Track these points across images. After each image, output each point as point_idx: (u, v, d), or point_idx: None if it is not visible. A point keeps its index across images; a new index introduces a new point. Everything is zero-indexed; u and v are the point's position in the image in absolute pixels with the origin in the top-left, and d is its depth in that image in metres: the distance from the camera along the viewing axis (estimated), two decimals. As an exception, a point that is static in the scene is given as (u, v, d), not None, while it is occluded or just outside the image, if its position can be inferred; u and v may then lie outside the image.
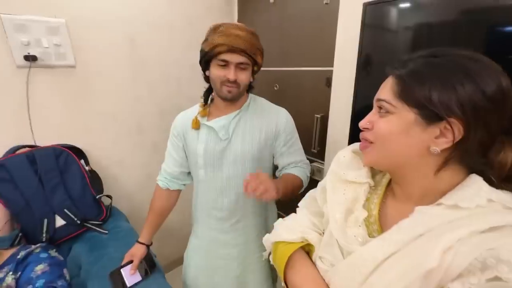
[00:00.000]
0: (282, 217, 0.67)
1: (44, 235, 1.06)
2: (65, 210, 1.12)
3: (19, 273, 0.83)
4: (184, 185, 1.06)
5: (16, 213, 1.05)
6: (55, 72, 1.19)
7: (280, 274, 0.56)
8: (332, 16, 1.12)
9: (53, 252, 0.95)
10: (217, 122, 0.90)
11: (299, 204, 0.66)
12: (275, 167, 1.02)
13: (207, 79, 0.91)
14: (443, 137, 0.40)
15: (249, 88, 0.95)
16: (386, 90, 0.45)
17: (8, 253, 0.90)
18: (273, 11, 1.45)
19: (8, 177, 1.04)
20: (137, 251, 0.99)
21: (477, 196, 0.39)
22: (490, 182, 0.40)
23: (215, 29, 0.82)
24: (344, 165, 0.56)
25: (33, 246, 0.93)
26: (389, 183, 0.54)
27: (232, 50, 0.79)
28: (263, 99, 1.00)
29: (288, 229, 0.60)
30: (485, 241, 0.35)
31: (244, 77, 0.84)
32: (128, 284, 0.91)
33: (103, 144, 1.39)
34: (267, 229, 1.07)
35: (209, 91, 0.95)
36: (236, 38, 0.78)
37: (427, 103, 0.40)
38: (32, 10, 1.09)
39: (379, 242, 0.43)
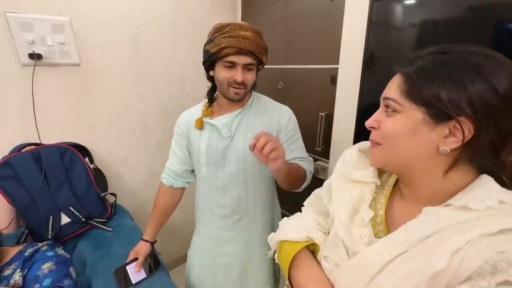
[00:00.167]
0: (287, 216, 0.67)
1: (49, 232, 1.07)
2: (70, 207, 1.12)
3: (26, 270, 0.84)
4: (188, 183, 1.06)
5: (22, 210, 1.06)
6: (60, 70, 1.19)
7: (285, 273, 0.56)
8: (338, 13, 1.10)
9: (59, 250, 0.95)
10: (220, 120, 0.90)
11: (304, 203, 0.66)
12: None
13: (210, 78, 0.90)
14: (452, 136, 0.39)
15: (252, 86, 0.95)
16: (393, 89, 0.44)
17: (15, 250, 0.91)
18: (277, 8, 1.43)
19: (14, 175, 1.05)
20: (141, 249, 1.00)
21: (487, 197, 0.38)
22: (502, 183, 0.39)
23: (220, 30, 0.81)
24: (350, 164, 0.55)
25: (39, 244, 0.94)
26: (396, 182, 0.53)
27: (239, 52, 0.78)
28: (266, 97, 1.00)
29: (293, 228, 0.59)
30: (496, 244, 0.34)
31: (250, 77, 0.84)
32: (133, 281, 0.92)
33: (107, 142, 1.40)
34: (271, 227, 1.07)
35: (212, 91, 0.94)
36: (243, 40, 0.78)
37: (435, 101, 0.39)
38: (37, 9, 1.09)
39: (386, 242, 0.42)
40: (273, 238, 0.63)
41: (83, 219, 1.14)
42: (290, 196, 1.10)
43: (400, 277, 0.38)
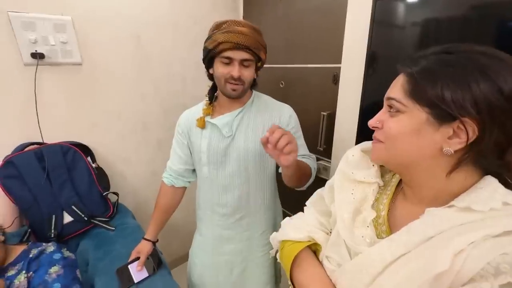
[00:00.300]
0: (289, 215, 0.67)
1: (52, 231, 1.07)
2: (73, 206, 1.13)
3: (31, 272, 0.83)
4: (189, 182, 1.06)
5: (25, 209, 1.06)
6: (62, 69, 1.20)
7: (287, 273, 0.56)
8: (341, 11, 1.10)
9: (66, 252, 0.94)
10: (221, 120, 0.90)
11: (306, 203, 0.66)
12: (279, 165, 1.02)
13: (210, 77, 0.90)
14: (456, 137, 0.39)
15: (253, 85, 0.94)
16: (397, 89, 0.44)
17: (19, 250, 0.91)
18: (279, 7, 1.43)
19: (16, 174, 1.06)
20: (143, 248, 1.00)
21: (491, 198, 0.37)
22: (506, 185, 0.39)
23: (218, 27, 0.81)
24: (352, 164, 0.55)
25: (44, 244, 0.93)
26: (399, 183, 0.53)
27: (236, 47, 0.78)
28: (267, 96, 1.00)
29: (295, 228, 0.59)
30: (499, 246, 0.34)
31: (248, 73, 0.84)
32: (135, 280, 0.93)
33: (108, 141, 1.40)
34: (273, 226, 1.07)
35: (213, 89, 0.94)
36: (239, 35, 0.78)
37: (439, 102, 0.38)
38: (39, 8, 1.09)
39: (388, 243, 0.42)
40: (275, 238, 0.63)
41: (86, 218, 1.14)
42: (292, 196, 1.10)
43: (403, 278, 0.38)
